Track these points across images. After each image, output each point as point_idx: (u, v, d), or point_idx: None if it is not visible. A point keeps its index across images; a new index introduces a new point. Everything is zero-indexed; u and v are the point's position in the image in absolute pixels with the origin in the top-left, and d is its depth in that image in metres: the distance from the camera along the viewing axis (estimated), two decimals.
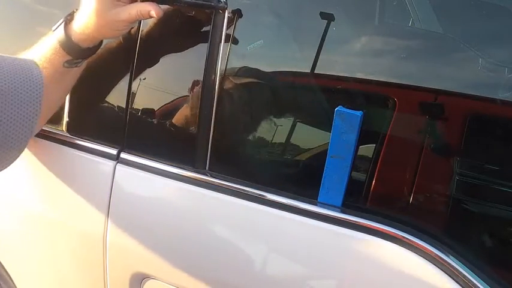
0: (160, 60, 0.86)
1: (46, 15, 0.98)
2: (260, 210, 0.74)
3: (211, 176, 0.79)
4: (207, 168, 0.81)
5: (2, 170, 0.57)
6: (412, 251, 0.66)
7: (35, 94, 0.55)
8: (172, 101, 0.91)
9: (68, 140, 0.90)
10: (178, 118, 0.89)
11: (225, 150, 0.85)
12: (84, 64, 0.78)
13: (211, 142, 0.80)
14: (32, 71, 0.57)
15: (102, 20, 0.69)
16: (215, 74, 0.79)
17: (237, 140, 0.92)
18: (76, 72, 0.78)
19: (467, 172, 0.80)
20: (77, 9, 0.73)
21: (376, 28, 0.93)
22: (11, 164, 0.59)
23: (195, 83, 0.85)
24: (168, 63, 0.88)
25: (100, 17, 0.69)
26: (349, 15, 0.89)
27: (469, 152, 0.81)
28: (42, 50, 0.74)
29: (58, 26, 0.73)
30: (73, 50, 0.72)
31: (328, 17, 0.81)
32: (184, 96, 0.88)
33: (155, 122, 0.90)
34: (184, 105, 0.87)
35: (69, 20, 0.73)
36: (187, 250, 0.80)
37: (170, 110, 0.90)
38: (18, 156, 0.59)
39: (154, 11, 0.68)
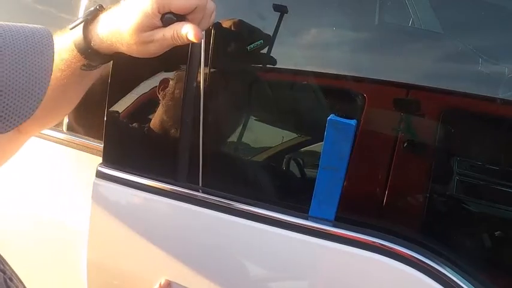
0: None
1: (46, 15, 0.98)
2: (247, 225, 0.71)
3: (194, 190, 0.76)
4: (200, 184, 0.77)
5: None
6: (410, 265, 0.63)
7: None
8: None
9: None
10: (154, 123, 0.82)
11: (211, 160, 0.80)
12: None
13: (191, 152, 0.76)
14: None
15: (136, 37, 0.58)
16: (199, 76, 0.74)
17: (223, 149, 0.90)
18: (96, 72, 0.69)
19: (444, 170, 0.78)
20: (100, 7, 0.63)
21: (376, 28, 0.93)
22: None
23: (164, 82, 0.79)
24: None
25: (135, 34, 0.58)
26: (349, 15, 0.89)
27: (446, 150, 0.79)
28: (57, 49, 0.63)
29: (76, 26, 0.62)
30: (91, 56, 0.63)
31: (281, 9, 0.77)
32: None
33: (134, 131, 0.85)
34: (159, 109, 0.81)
35: (89, 20, 0.62)
36: (170, 267, 0.76)
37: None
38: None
39: (193, 34, 0.56)
